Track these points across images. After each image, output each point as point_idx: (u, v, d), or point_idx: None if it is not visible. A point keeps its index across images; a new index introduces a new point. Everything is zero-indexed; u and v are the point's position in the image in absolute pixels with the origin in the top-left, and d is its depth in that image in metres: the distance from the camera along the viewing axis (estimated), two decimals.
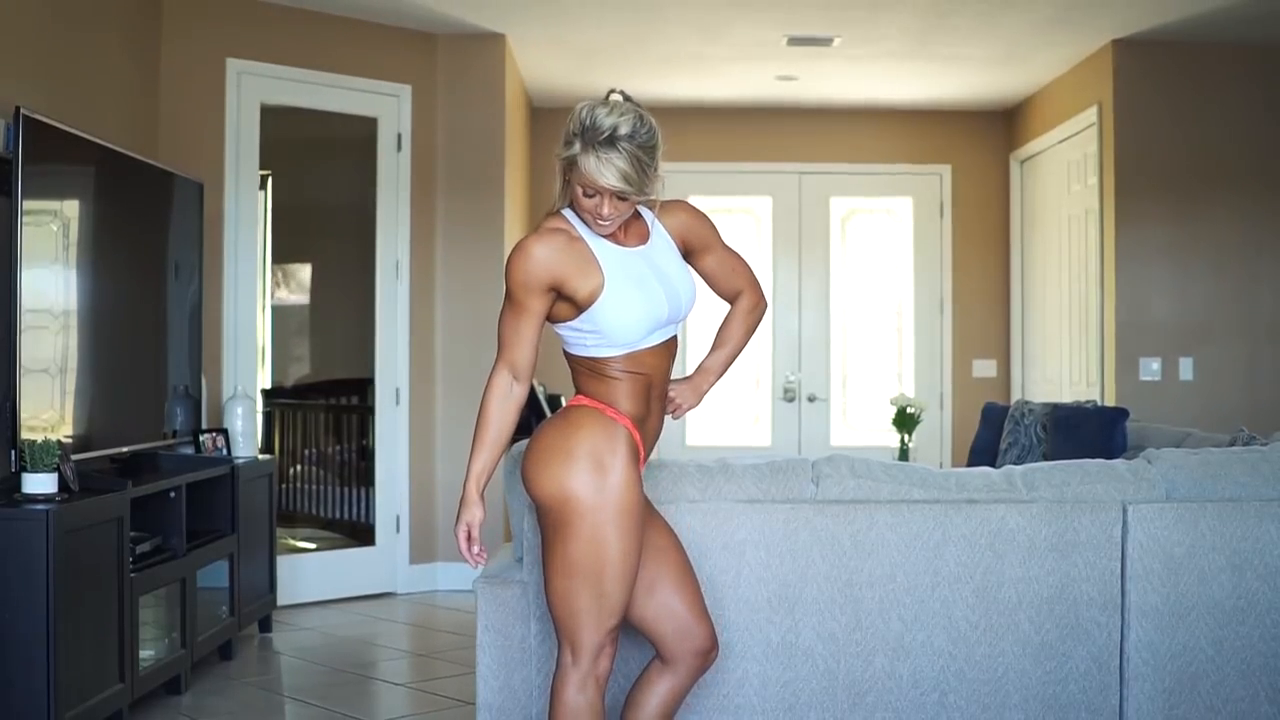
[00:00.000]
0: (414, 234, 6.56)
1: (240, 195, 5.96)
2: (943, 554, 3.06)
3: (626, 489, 2.56)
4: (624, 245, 2.63)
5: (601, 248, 2.60)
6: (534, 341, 2.61)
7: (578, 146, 2.50)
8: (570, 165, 2.53)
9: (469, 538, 2.61)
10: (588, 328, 2.59)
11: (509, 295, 2.60)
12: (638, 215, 2.70)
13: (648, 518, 2.72)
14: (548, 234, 2.58)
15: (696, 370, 2.91)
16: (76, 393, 4.31)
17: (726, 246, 2.86)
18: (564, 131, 2.53)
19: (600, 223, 2.56)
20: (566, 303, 2.59)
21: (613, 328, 2.57)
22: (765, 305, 2.94)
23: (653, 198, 2.61)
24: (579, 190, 2.53)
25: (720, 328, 2.93)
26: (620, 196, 2.51)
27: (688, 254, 2.77)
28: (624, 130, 2.47)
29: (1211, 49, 6.72)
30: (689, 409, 2.88)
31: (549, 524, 2.59)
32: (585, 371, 2.65)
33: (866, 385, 8.45)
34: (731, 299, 2.90)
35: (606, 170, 2.47)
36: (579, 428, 2.59)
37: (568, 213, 2.63)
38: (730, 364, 2.93)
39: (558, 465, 2.56)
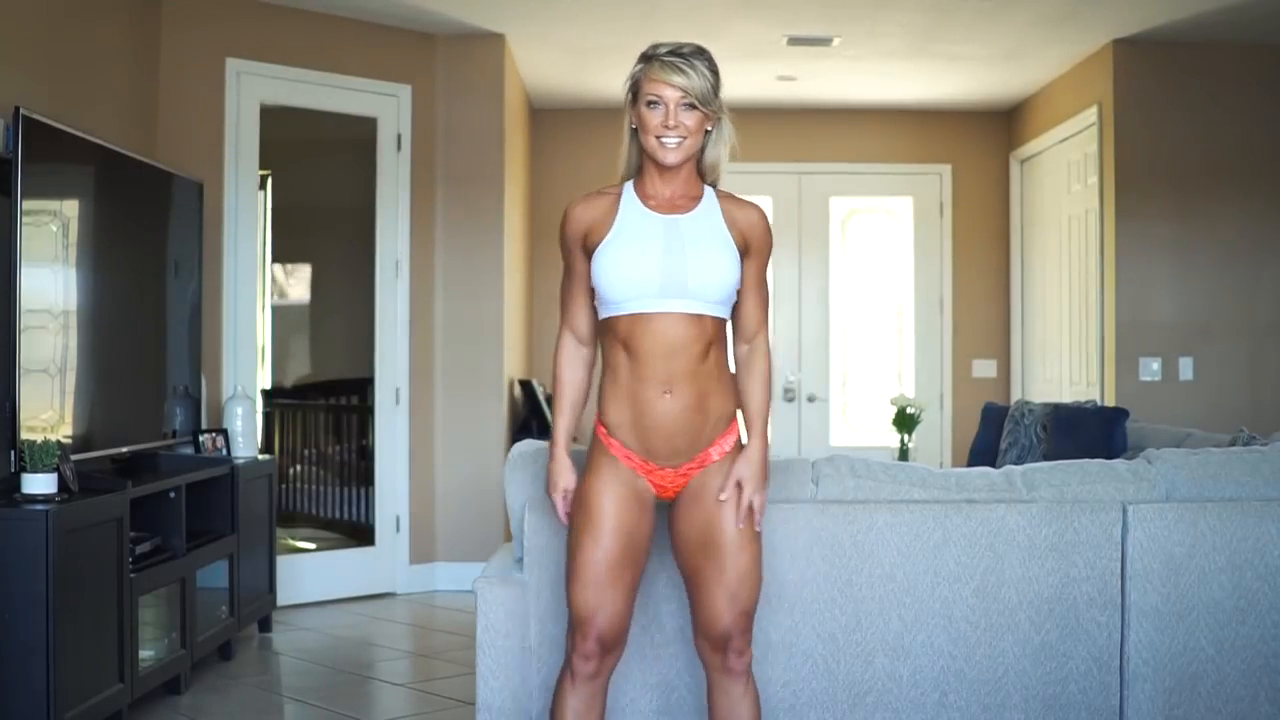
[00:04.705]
0: (414, 234, 6.56)
1: (240, 195, 5.95)
2: (943, 554, 3.06)
3: (590, 495, 2.62)
4: (656, 211, 2.62)
5: (630, 208, 2.63)
6: (588, 305, 2.69)
7: (642, 64, 2.61)
8: (636, 92, 2.60)
9: (565, 500, 2.70)
10: (593, 283, 2.64)
11: (563, 259, 2.71)
12: (696, 192, 2.67)
13: (688, 513, 2.64)
14: (592, 195, 2.67)
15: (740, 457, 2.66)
16: (76, 393, 4.30)
17: (764, 276, 2.72)
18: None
19: (666, 140, 2.58)
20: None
21: (600, 279, 2.61)
22: (769, 354, 2.73)
23: (721, 150, 2.71)
24: (644, 108, 2.58)
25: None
26: (687, 105, 2.57)
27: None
28: (689, 49, 2.60)
29: (1212, 48, 6.71)
30: (751, 492, 2.62)
31: None
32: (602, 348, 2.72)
33: (866, 385, 8.44)
34: (736, 324, 2.71)
35: (673, 73, 2.56)
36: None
37: (629, 184, 2.68)
38: (762, 423, 2.68)
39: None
